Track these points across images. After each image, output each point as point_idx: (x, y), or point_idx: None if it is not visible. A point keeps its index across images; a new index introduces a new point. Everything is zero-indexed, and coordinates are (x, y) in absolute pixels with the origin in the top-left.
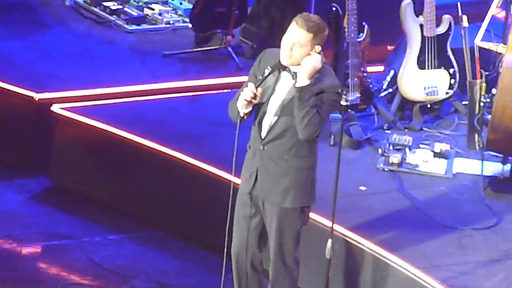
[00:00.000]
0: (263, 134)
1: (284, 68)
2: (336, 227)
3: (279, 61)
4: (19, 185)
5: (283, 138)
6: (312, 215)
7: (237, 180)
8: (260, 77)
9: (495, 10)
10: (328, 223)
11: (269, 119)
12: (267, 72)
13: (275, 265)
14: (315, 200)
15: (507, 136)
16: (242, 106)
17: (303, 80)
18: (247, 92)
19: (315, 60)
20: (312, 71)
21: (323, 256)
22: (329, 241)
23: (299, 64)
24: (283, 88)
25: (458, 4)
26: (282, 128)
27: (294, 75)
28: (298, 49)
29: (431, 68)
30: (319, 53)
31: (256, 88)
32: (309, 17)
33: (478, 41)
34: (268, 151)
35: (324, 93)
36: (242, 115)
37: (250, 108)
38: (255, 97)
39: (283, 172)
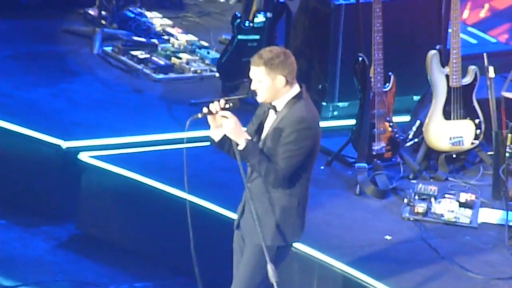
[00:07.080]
0: (249, 171)
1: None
2: (361, 276)
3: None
4: (46, 233)
5: None
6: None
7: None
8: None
9: None
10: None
11: None
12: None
13: None
14: (299, 238)
15: None
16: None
17: (240, 144)
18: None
19: (227, 125)
20: (234, 134)
21: None
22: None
23: (275, 99)
24: (267, 125)
25: (485, 55)
26: None
27: (274, 108)
28: (260, 85)
29: (457, 119)
30: (286, 83)
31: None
32: (260, 52)
33: (505, 92)
34: (253, 188)
35: (283, 133)
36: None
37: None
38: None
39: (267, 210)
